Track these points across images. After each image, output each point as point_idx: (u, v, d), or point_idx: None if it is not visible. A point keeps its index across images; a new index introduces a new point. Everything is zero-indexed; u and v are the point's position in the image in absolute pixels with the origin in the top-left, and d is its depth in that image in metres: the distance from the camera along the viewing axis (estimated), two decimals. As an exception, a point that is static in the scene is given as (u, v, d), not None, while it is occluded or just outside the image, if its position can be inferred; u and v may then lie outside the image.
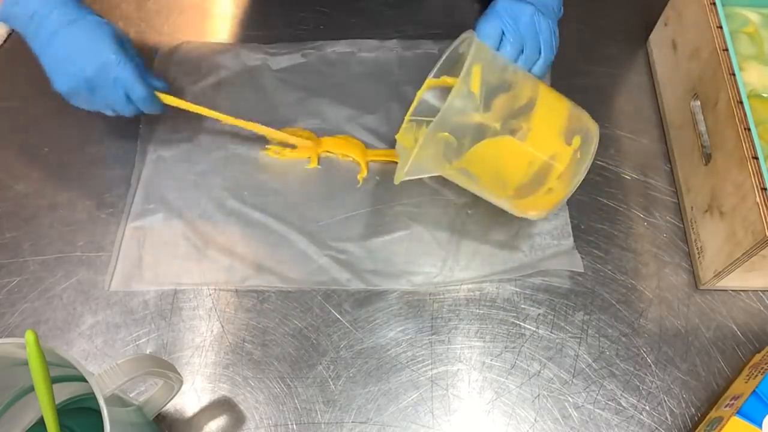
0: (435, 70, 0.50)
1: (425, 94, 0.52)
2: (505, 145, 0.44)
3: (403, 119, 0.53)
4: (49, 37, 0.48)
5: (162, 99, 0.52)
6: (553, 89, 0.48)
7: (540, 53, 0.50)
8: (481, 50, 0.46)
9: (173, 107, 0.53)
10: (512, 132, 0.44)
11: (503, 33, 0.48)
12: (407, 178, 0.47)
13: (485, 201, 0.54)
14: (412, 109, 0.52)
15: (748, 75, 0.52)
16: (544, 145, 0.45)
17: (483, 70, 0.44)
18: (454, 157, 0.45)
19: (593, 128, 0.46)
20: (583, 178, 0.45)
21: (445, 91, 0.51)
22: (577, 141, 0.45)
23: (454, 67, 0.50)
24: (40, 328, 0.49)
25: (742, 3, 0.55)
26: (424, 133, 0.44)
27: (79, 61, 0.48)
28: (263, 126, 0.55)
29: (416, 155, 0.44)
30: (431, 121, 0.43)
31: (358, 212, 0.54)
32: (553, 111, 0.46)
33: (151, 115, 0.58)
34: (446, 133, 0.44)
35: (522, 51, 0.49)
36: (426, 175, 0.49)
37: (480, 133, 0.44)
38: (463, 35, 0.48)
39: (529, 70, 0.50)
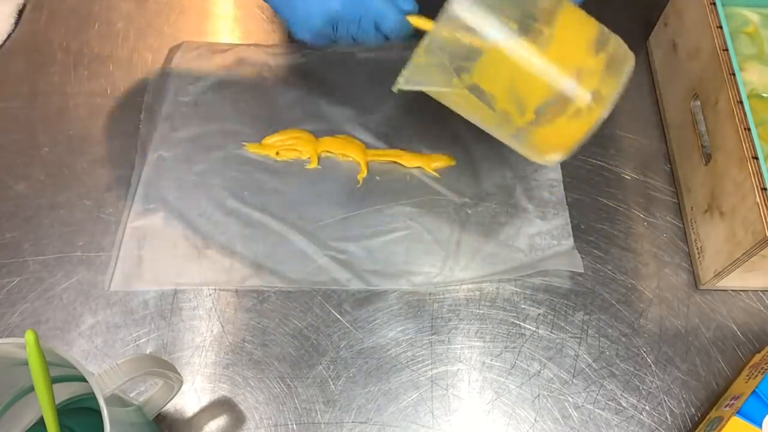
0: None
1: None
2: (523, 51, 0.38)
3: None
4: None
5: (412, 23, 0.45)
6: (582, 10, 0.42)
7: None
8: None
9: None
10: (531, 36, 0.38)
11: None
12: (407, 87, 0.41)
13: (485, 201, 0.55)
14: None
15: (748, 75, 0.52)
16: (570, 56, 0.39)
17: None
18: (463, 69, 0.39)
19: (627, 51, 0.40)
20: (615, 101, 0.39)
21: None
22: (606, 58, 0.39)
23: None
24: (40, 328, 0.49)
25: (742, 3, 0.55)
26: (428, 34, 0.38)
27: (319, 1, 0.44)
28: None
29: (418, 55, 0.39)
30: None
31: (358, 212, 0.54)
32: (581, 22, 0.40)
33: (151, 114, 0.59)
34: (452, 36, 0.38)
35: None
36: (428, 88, 0.42)
37: (497, 35, 0.38)
38: None
39: None
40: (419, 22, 0.45)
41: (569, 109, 0.39)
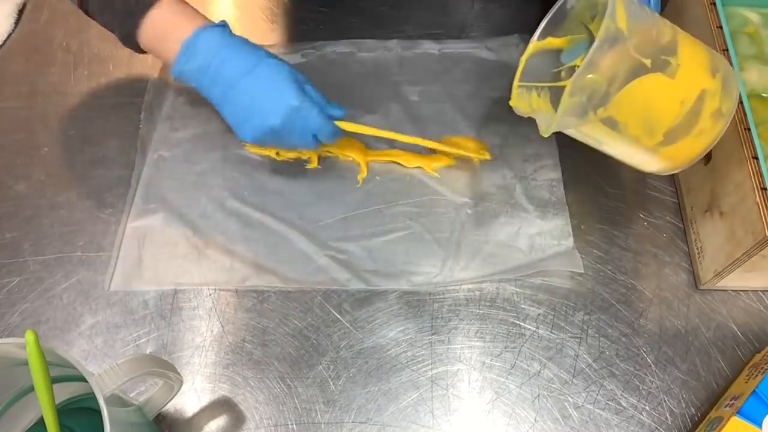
0: (538, 32, 0.48)
1: (529, 59, 0.49)
2: (655, 83, 0.42)
3: (512, 88, 0.50)
4: (226, 91, 0.47)
5: (341, 126, 0.52)
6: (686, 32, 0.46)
7: None
8: None
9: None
10: (662, 68, 0.41)
11: None
12: (551, 131, 0.44)
13: (485, 201, 0.55)
14: (518, 74, 0.49)
15: (748, 75, 0.52)
16: (694, 81, 0.42)
17: (626, 8, 0.41)
18: (599, 104, 0.42)
19: (732, 68, 0.44)
20: (731, 119, 0.43)
21: (549, 54, 0.49)
22: (721, 78, 0.43)
23: (558, 27, 0.47)
24: (40, 328, 0.49)
25: (742, 3, 0.55)
26: (572, 79, 0.41)
27: (262, 111, 0.47)
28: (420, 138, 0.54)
29: (564, 104, 0.41)
30: (539, 85, 0.41)
31: (358, 212, 0.54)
32: (696, 47, 0.44)
33: (151, 114, 0.59)
34: (595, 77, 0.41)
35: None
36: (569, 130, 0.46)
37: (631, 72, 0.41)
38: None
39: None
40: (346, 125, 0.52)
41: (695, 129, 0.42)
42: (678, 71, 0.42)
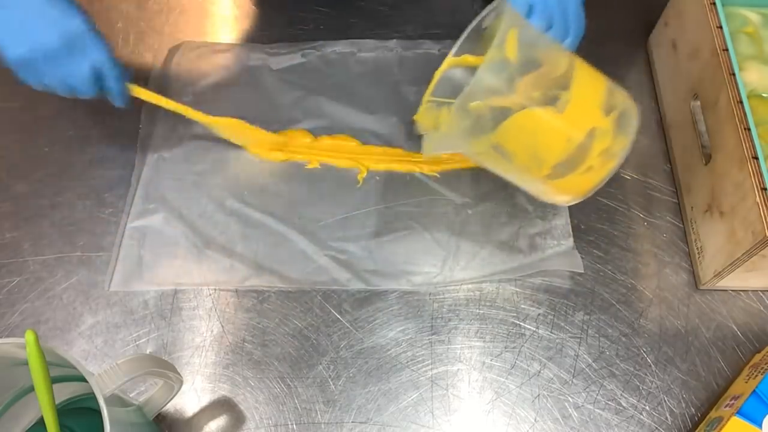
0: (455, 48, 0.47)
1: (444, 73, 0.49)
2: (543, 117, 0.41)
3: (421, 101, 0.51)
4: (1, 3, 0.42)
5: (131, 89, 0.48)
6: (590, 66, 0.45)
7: (569, 30, 0.47)
8: (516, 16, 0.43)
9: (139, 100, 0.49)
10: (551, 103, 0.41)
11: (531, 6, 0.45)
12: (434, 153, 0.44)
13: (485, 201, 0.55)
14: (431, 88, 0.49)
15: (748, 75, 0.52)
16: (584, 118, 0.42)
17: (519, 35, 0.41)
18: (487, 132, 0.42)
19: (633, 106, 0.43)
20: (624, 158, 0.42)
21: (466, 70, 0.49)
22: (616, 116, 0.42)
23: (476, 44, 0.47)
24: (40, 328, 0.49)
25: (742, 3, 0.55)
26: (455, 104, 0.41)
27: (41, 25, 0.41)
28: (225, 118, 0.53)
29: (447, 127, 0.41)
30: (451, 102, 0.40)
31: (358, 212, 0.54)
32: (592, 83, 0.43)
33: (150, 115, 0.58)
34: (479, 103, 0.41)
35: (551, 26, 0.46)
36: (454, 151, 0.46)
37: (517, 103, 0.41)
38: (492, 5, 0.45)
39: None
40: (137, 90, 0.49)
41: (583, 166, 0.42)
42: (567, 107, 0.41)
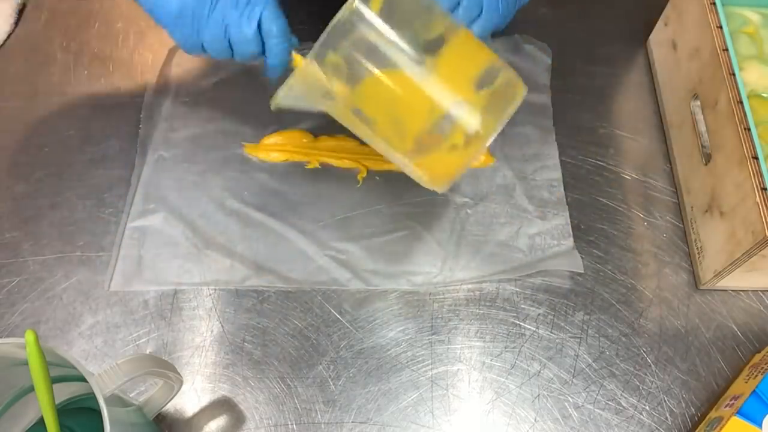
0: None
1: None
2: (404, 79, 0.37)
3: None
4: None
5: (294, 58, 0.42)
6: (481, 42, 0.40)
7: (481, 11, 0.42)
8: None
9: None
10: (415, 65, 0.37)
11: None
12: (283, 104, 0.39)
13: (485, 201, 0.55)
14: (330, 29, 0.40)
15: (748, 75, 0.52)
16: (449, 88, 0.38)
17: None
18: (345, 91, 0.38)
19: (519, 88, 0.39)
20: (491, 140, 0.38)
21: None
22: (490, 93, 0.38)
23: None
24: (40, 328, 0.49)
25: (742, 3, 0.55)
26: (310, 52, 0.37)
27: None
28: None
29: (294, 77, 0.37)
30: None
31: (358, 212, 0.54)
32: (469, 54, 0.39)
33: (151, 114, 0.58)
34: (335, 58, 0.37)
35: (459, 2, 0.41)
36: (309, 107, 0.41)
37: (377, 62, 0.37)
38: None
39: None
40: (301, 61, 0.41)
41: (445, 143, 0.38)
42: (432, 73, 0.37)
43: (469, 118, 0.38)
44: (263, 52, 0.41)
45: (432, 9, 0.39)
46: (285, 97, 0.39)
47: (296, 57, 0.41)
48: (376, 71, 0.37)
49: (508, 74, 0.39)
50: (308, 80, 0.38)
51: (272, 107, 0.39)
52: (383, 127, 0.39)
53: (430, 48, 0.38)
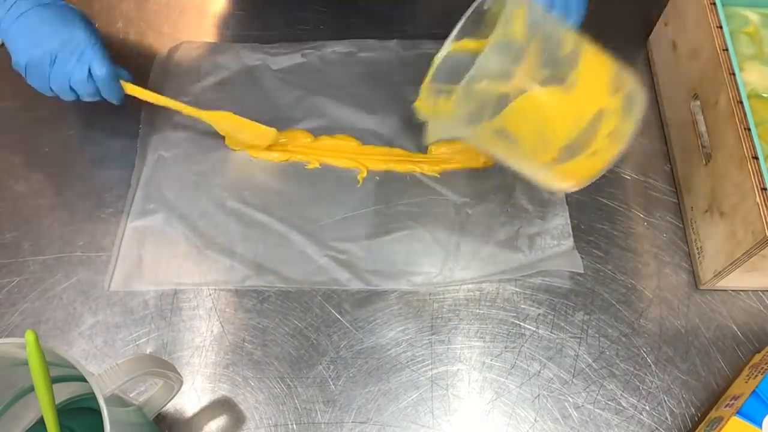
0: (455, 31, 0.46)
1: (444, 59, 0.47)
2: (550, 98, 0.40)
3: (421, 88, 0.49)
4: (18, 17, 0.49)
5: (124, 87, 0.52)
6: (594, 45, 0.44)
7: (571, 9, 0.46)
8: None
9: (134, 98, 0.53)
10: (557, 84, 0.40)
11: None
12: (437, 139, 0.43)
13: (485, 201, 0.55)
14: (431, 74, 0.48)
15: (748, 75, 0.52)
16: (592, 99, 0.41)
17: (526, 15, 0.40)
18: (492, 115, 0.41)
19: (638, 87, 0.42)
20: (629, 141, 0.41)
21: (467, 56, 0.47)
22: (623, 97, 0.41)
23: (476, 28, 0.46)
24: (40, 328, 0.49)
25: (742, 3, 0.55)
26: (460, 87, 0.39)
27: (46, 35, 0.48)
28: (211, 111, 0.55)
29: (451, 112, 0.40)
30: (450, 89, 0.39)
31: (358, 212, 0.54)
32: (599, 63, 0.42)
33: (150, 115, 0.58)
34: (484, 86, 0.40)
35: (553, 5, 0.45)
36: (457, 136, 0.45)
37: (523, 85, 0.40)
38: None
39: None
40: (130, 88, 0.52)
41: (589, 149, 0.41)
42: (575, 87, 0.40)
43: (610, 123, 0.40)
44: (99, 91, 0.51)
45: (561, 23, 0.43)
46: (444, 128, 0.43)
47: (126, 86, 0.52)
48: (527, 89, 0.40)
49: (629, 75, 0.42)
50: (465, 106, 0.41)
51: (427, 143, 0.47)
52: (528, 143, 0.42)
53: (568, 64, 0.40)
